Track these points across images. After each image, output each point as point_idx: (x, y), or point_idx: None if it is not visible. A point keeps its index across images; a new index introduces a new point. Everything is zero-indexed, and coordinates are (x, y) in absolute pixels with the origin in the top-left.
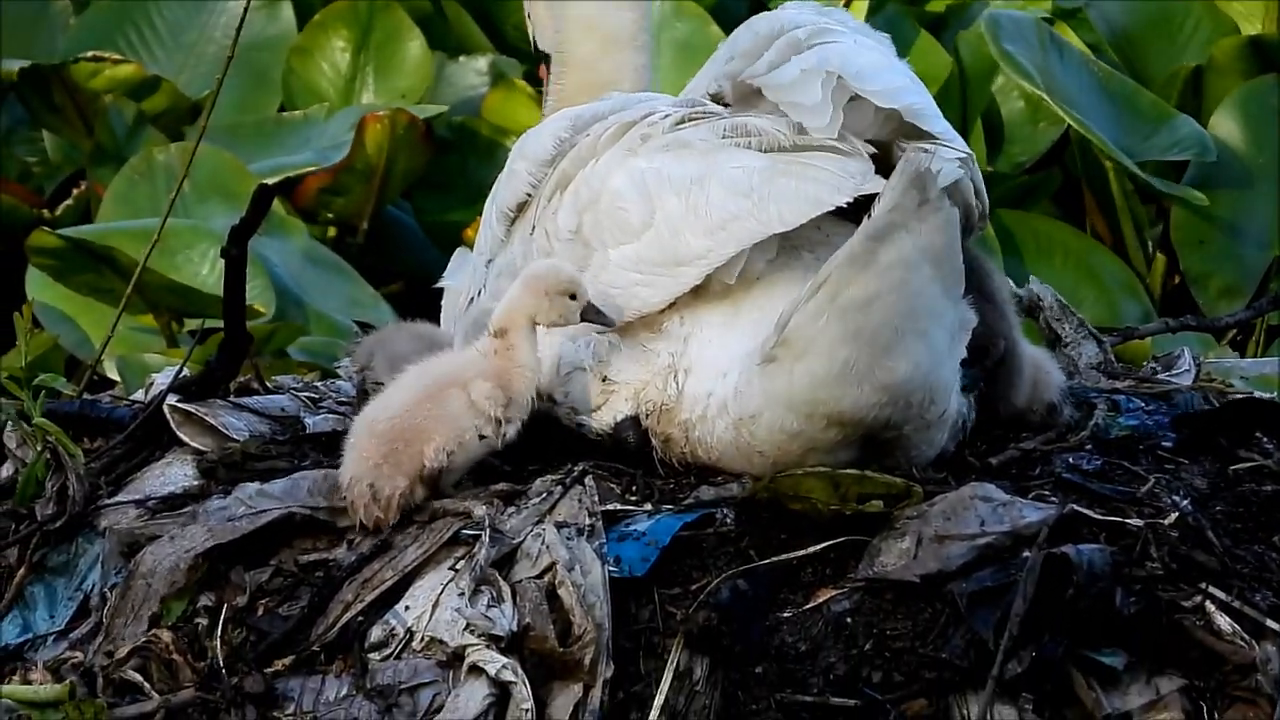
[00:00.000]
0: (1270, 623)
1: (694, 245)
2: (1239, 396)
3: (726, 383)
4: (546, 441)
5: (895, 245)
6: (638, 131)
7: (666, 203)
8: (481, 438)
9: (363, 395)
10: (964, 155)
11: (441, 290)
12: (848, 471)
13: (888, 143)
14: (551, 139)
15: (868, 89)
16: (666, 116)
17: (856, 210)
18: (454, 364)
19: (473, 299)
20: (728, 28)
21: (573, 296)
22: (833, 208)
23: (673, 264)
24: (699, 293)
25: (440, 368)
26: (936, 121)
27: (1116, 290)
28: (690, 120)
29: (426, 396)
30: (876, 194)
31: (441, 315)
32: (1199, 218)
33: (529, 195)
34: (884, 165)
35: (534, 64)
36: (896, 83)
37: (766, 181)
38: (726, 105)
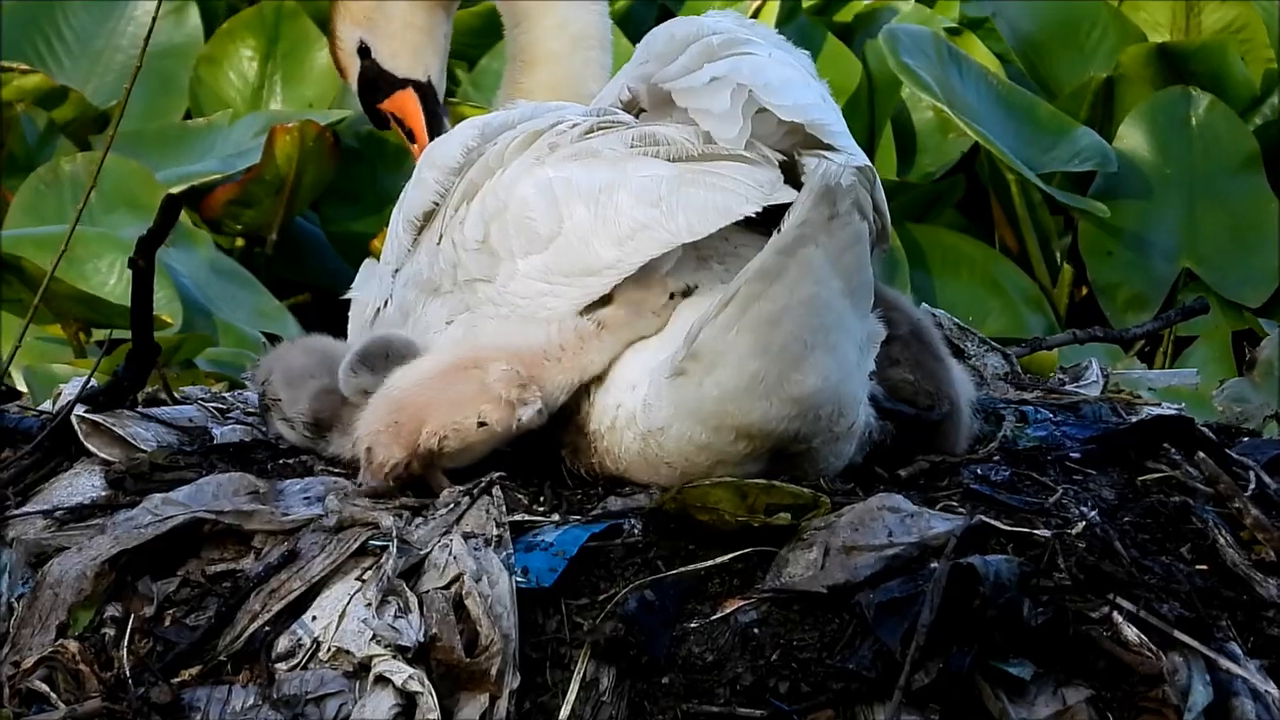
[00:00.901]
0: (1177, 633)
1: (603, 255)
2: (1146, 418)
3: (635, 395)
4: None
5: (805, 259)
6: (545, 140)
7: (575, 212)
8: (481, 424)
9: (264, 410)
10: (863, 165)
11: (349, 302)
12: (755, 481)
13: (793, 151)
14: (460, 147)
15: (775, 103)
16: (575, 125)
17: (766, 222)
18: (482, 342)
19: (379, 310)
20: (635, 37)
21: None
22: (742, 218)
23: (581, 274)
24: (606, 303)
25: (467, 346)
26: (840, 136)
27: (1021, 303)
28: (599, 129)
29: (441, 373)
30: (786, 204)
31: (348, 326)
32: (1106, 229)
33: (436, 204)
34: (792, 176)
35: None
36: (806, 99)
37: (675, 191)
38: (641, 110)
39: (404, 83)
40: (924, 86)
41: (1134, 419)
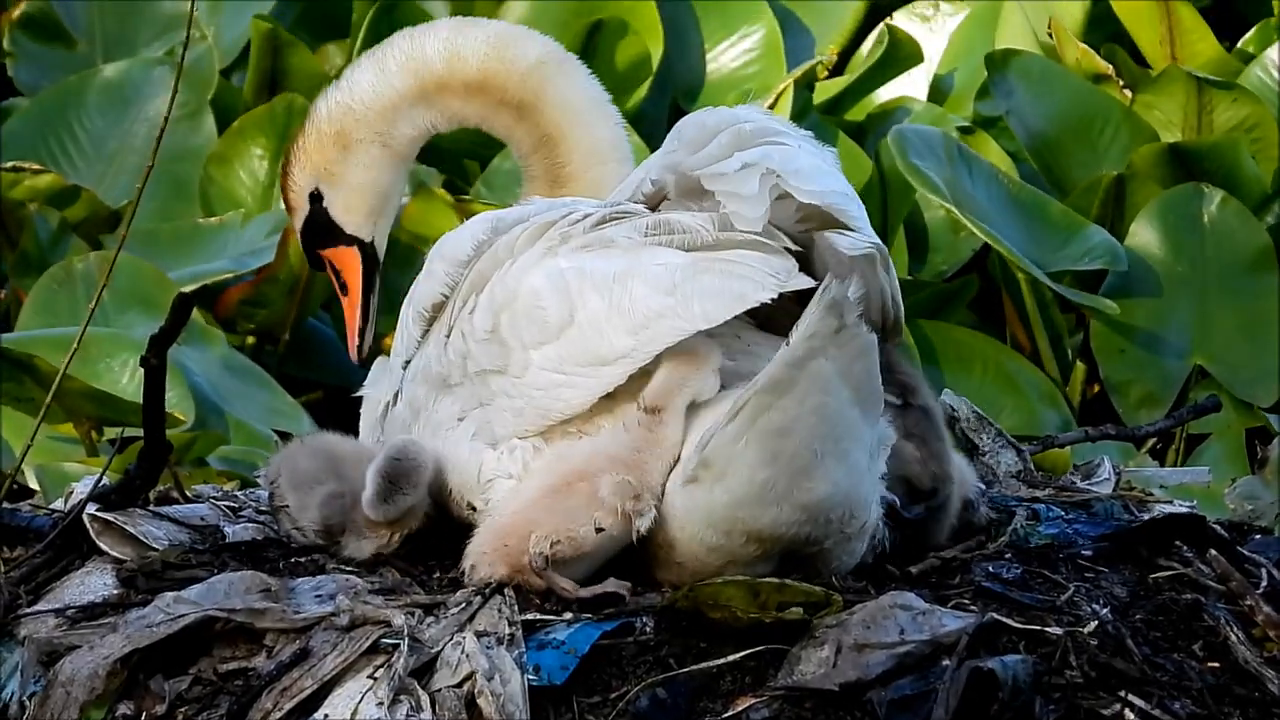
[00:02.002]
0: None
1: (617, 344)
2: (1158, 515)
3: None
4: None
5: (814, 371)
6: (557, 231)
7: (589, 300)
8: (599, 530)
9: (275, 511)
10: (877, 244)
11: (360, 399)
12: (767, 580)
13: (808, 240)
14: (470, 240)
15: (798, 186)
16: (587, 216)
17: (778, 321)
18: (583, 455)
19: (388, 405)
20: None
21: None
22: (757, 304)
23: (595, 363)
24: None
25: (569, 462)
26: (857, 220)
27: (1036, 399)
28: (612, 220)
29: (548, 490)
30: (801, 289)
31: (360, 423)
32: (1118, 327)
33: (445, 296)
34: (806, 266)
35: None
36: (830, 186)
37: (690, 279)
38: (664, 200)
39: (350, 239)
40: (933, 187)
41: (1146, 516)
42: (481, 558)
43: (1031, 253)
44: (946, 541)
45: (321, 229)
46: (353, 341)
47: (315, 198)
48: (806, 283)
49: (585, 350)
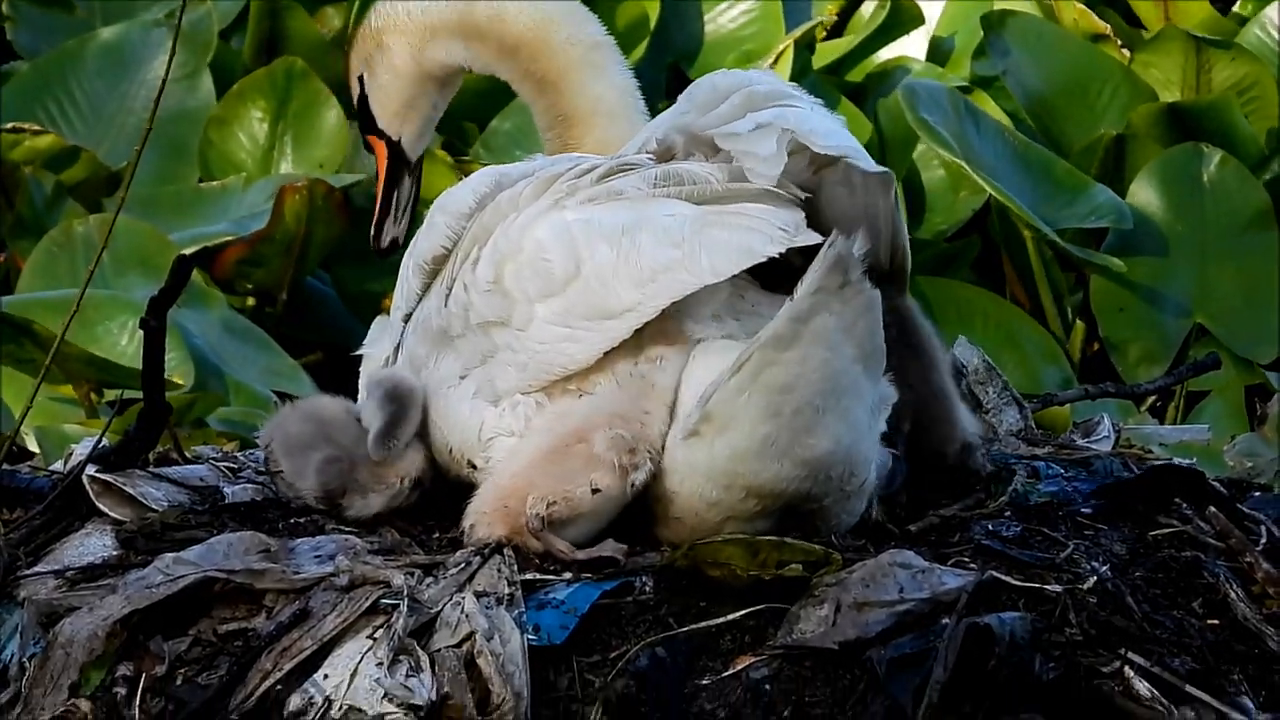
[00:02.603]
0: (1189, 688)
1: (624, 297)
2: (1159, 463)
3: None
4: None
5: (818, 326)
6: (564, 183)
7: (597, 252)
8: (595, 491)
9: (272, 476)
10: (885, 171)
11: (360, 359)
12: (766, 538)
13: (816, 186)
14: (472, 194)
15: (820, 142)
16: (594, 168)
17: (782, 278)
18: (581, 414)
19: (388, 360)
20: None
21: None
22: (764, 259)
23: (601, 317)
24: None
25: (567, 421)
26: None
27: (1037, 356)
28: (619, 171)
29: (548, 451)
30: (807, 248)
31: (360, 382)
32: (1118, 285)
33: (446, 249)
34: (814, 219)
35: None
36: (848, 142)
37: (698, 232)
38: (673, 157)
39: (380, 132)
40: (941, 141)
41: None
42: (481, 518)
43: (1038, 209)
44: (945, 499)
45: (364, 113)
46: (373, 232)
47: (360, 82)
48: (814, 238)
49: (590, 303)
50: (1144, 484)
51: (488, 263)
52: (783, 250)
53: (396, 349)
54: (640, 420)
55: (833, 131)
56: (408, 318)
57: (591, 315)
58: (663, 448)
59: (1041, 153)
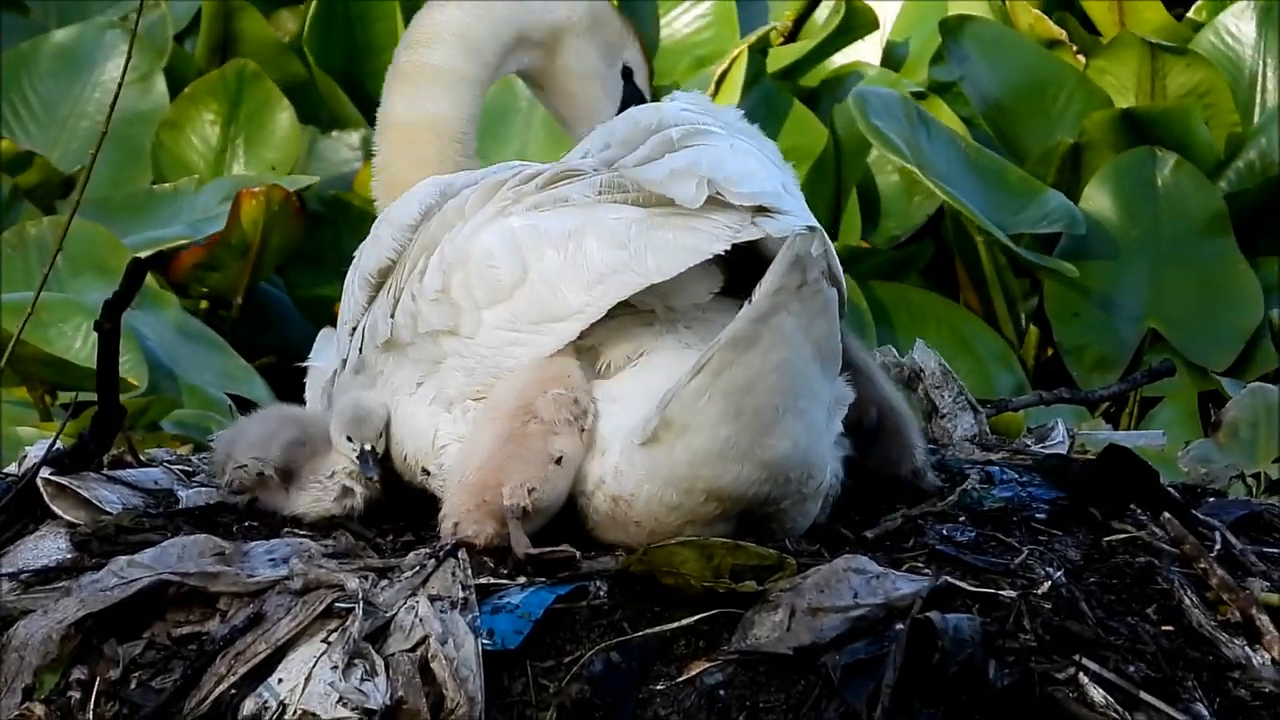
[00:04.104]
0: (1143, 694)
1: (571, 300)
2: (1114, 446)
3: (606, 461)
4: (421, 513)
5: (777, 326)
6: (509, 190)
7: (545, 257)
8: (557, 461)
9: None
10: (815, 226)
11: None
12: (721, 541)
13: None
14: (417, 205)
15: (736, 191)
16: (538, 174)
17: (734, 291)
18: (515, 390)
19: (336, 372)
20: None
21: None
22: (711, 256)
23: (549, 320)
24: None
25: (506, 404)
26: (796, 211)
27: (990, 361)
28: (564, 178)
29: (504, 438)
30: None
31: (306, 394)
32: (1072, 290)
33: (391, 261)
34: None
35: None
36: (765, 188)
37: (644, 233)
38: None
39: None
40: (893, 148)
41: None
42: (466, 516)
43: (990, 215)
44: (899, 505)
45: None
46: None
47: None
48: (758, 234)
49: (538, 308)
50: (1097, 470)
51: (435, 272)
52: (728, 248)
53: (344, 361)
54: (568, 372)
55: (749, 175)
56: (354, 330)
57: (540, 319)
58: (592, 394)
59: (993, 159)
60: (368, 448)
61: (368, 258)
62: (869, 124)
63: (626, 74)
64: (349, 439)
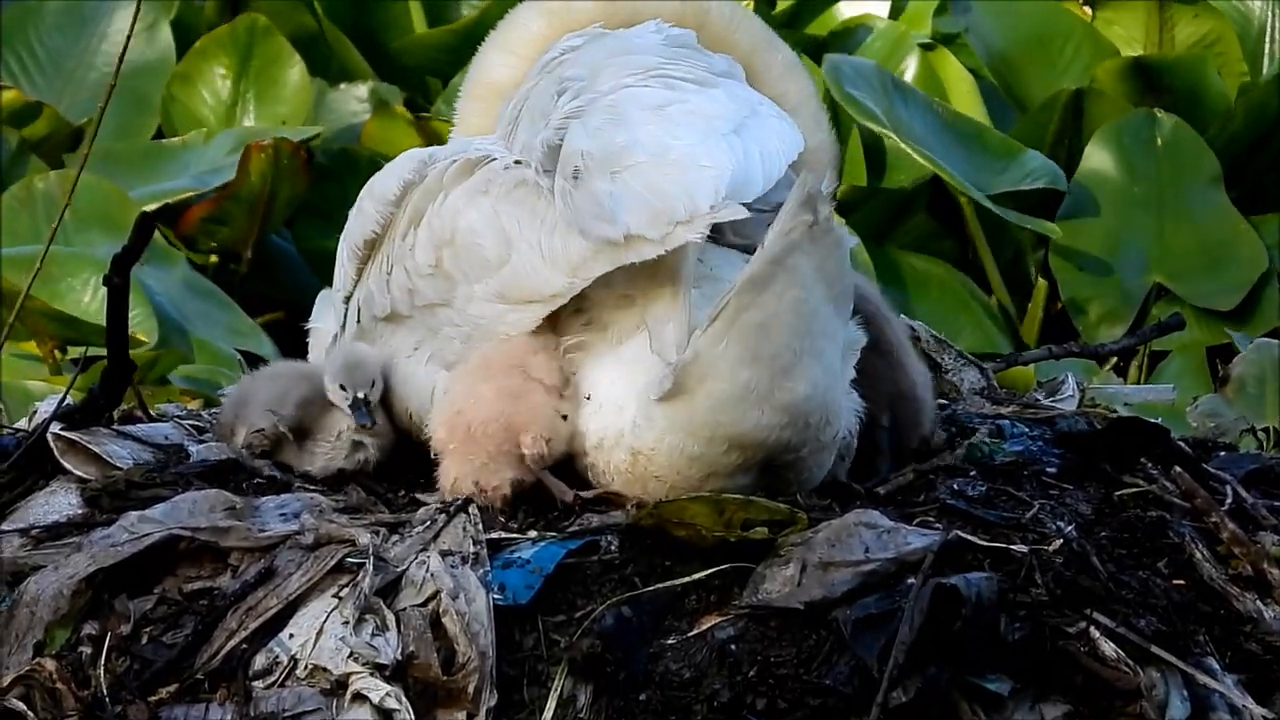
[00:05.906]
0: (1155, 648)
1: (554, 282)
2: (1123, 416)
3: (624, 416)
4: (429, 470)
5: (791, 266)
6: (490, 166)
7: (526, 237)
8: (564, 417)
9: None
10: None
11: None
12: (732, 497)
13: None
14: (396, 180)
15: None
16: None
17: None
18: (505, 351)
19: (335, 338)
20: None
21: None
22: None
23: (531, 300)
24: (586, 327)
25: (495, 362)
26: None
27: (991, 321)
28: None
29: (499, 388)
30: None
31: (309, 356)
32: (1078, 244)
33: (376, 233)
34: None
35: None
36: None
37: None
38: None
39: None
40: (870, 116)
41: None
42: (482, 470)
43: (972, 177)
44: (910, 458)
45: None
46: None
47: None
48: (741, 214)
49: (521, 289)
50: (1108, 437)
51: (426, 247)
52: (715, 204)
53: (343, 327)
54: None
55: (698, 185)
56: (348, 299)
57: (524, 299)
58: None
59: (971, 123)
60: (360, 395)
61: (353, 229)
62: (844, 94)
63: None
64: (342, 387)
